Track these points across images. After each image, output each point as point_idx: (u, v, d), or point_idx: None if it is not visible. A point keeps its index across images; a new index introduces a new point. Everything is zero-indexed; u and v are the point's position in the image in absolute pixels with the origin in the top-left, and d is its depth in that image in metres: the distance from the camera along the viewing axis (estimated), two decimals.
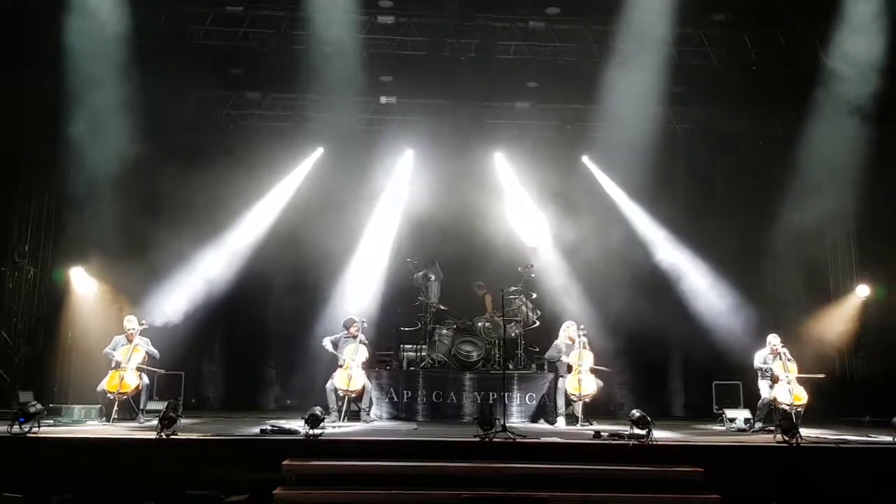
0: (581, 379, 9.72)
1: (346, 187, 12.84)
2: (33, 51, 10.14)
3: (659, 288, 12.51)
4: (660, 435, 7.94)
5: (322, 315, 12.28)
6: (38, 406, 7.49)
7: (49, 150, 10.82)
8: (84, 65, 10.24)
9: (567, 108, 13.47)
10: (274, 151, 13.05)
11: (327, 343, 10.30)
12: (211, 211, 12.01)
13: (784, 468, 7.15)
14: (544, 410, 10.45)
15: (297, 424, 8.04)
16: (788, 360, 9.60)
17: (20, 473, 6.73)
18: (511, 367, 10.97)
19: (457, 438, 7.70)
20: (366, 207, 13.01)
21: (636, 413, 7.79)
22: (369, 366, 10.43)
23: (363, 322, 10.45)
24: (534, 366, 11.15)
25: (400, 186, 13.18)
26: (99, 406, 9.37)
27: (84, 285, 11.19)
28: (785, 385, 9.44)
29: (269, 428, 8.06)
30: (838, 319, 11.74)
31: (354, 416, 9.96)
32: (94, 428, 8.62)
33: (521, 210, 13.14)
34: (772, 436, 7.90)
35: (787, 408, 9.16)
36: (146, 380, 9.54)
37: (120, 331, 9.67)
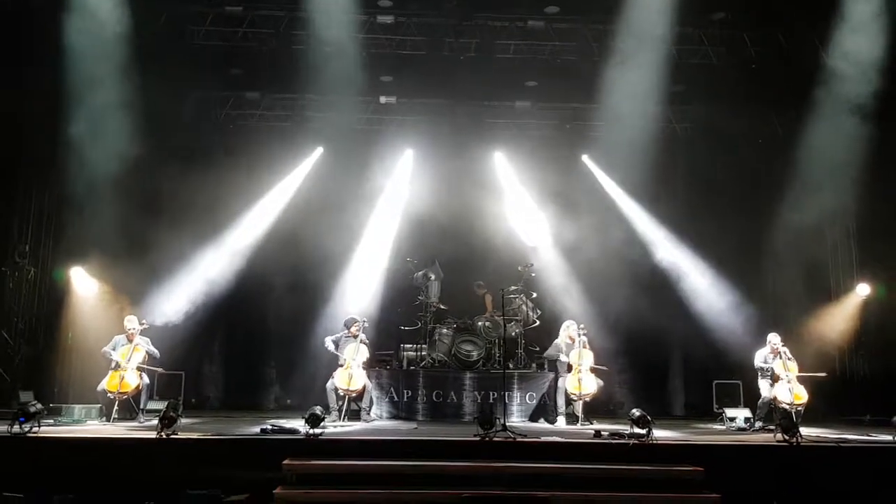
0: (581, 378, 9.73)
1: (345, 187, 12.84)
2: (33, 51, 10.14)
3: (659, 287, 12.51)
4: (660, 434, 7.94)
5: (322, 315, 12.29)
6: (39, 406, 7.50)
7: (49, 150, 10.82)
8: (84, 65, 10.25)
9: (566, 108, 13.47)
10: (274, 151, 13.06)
11: (329, 342, 10.32)
12: (211, 211, 12.00)
13: (784, 467, 7.15)
14: (544, 410, 10.46)
15: (298, 424, 8.06)
16: (789, 359, 9.61)
17: (20, 473, 6.74)
18: (511, 366, 10.98)
19: (457, 438, 7.70)
20: (366, 207, 13.01)
21: (636, 412, 7.80)
22: (370, 365, 10.43)
23: (364, 322, 10.45)
24: (534, 365, 11.15)
25: (400, 186, 13.18)
26: (99, 406, 9.38)
27: (84, 285, 11.20)
28: (785, 384, 9.44)
29: (269, 427, 8.07)
30: (838, 318, 11.74)
31: (354, 415, 9.97)
32: (95, 428, 8.62)
33: (520, 209, 13.14)
34: (772, 435, 7.91)
35: (787, 407, 9.17)
36: (146, 379, 9.54)
37: (120, 330, 9.68)
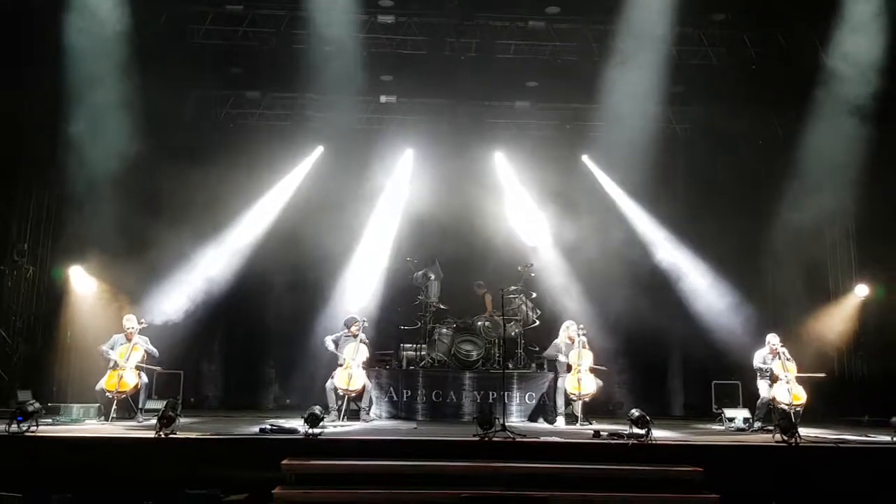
0: (581, 378, 9.73)
1: (345, 187, 12.83)
2: (33, 51, 10.14)
3: (659, 287, 12.51)
4: (659, 434, 7.95)
5: (322, 314, 12.29)
6: (37, 405, 7.48)
7: (49, 149, 10.81)
8: (84, 64, 10.24)
9: (567, 108, 13.47)
10: (274, 150, 13.06)
11: (329, 342, 10.31)
12: (211, 210, 11.99)
13: (783, 468, 7.15)
14: (544, 410, 10.46)
15: (297, 423, 8.05)
16: (787, 359, 9.61)
17: (19, 473, 6.73)
18: (511, 366, 10.97)
19: (456, 438, 7.70)
20: (366, 207, 13.00)
21: (635, 412, 7.79)
22: (369, 365, 10.43)
23: (364, 321, 10.45)
24: (533, 365, 11.15)
25: (400, 186, 13.17)
26: (98, 405, 9.37)
27: (83, 284, 11.18)
28: (784, 384, 9.45)
29: (268, 427, 8.07)
30: (837, 319, 11.75)
31: (354, 415, 9.96)
32: (93, 427, 8.61)
33: (520, 209, 13.13)
34: (771, 435, 7.90)
35: (786, 407, 9.17)
36: (145, 379, 9.53)
37: (119, 329, 9.66)
